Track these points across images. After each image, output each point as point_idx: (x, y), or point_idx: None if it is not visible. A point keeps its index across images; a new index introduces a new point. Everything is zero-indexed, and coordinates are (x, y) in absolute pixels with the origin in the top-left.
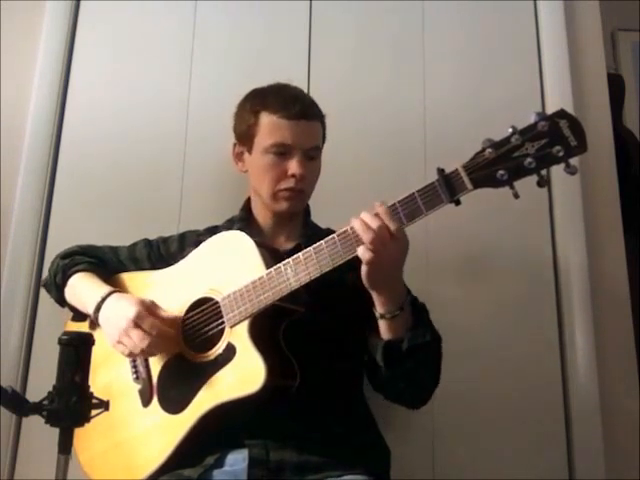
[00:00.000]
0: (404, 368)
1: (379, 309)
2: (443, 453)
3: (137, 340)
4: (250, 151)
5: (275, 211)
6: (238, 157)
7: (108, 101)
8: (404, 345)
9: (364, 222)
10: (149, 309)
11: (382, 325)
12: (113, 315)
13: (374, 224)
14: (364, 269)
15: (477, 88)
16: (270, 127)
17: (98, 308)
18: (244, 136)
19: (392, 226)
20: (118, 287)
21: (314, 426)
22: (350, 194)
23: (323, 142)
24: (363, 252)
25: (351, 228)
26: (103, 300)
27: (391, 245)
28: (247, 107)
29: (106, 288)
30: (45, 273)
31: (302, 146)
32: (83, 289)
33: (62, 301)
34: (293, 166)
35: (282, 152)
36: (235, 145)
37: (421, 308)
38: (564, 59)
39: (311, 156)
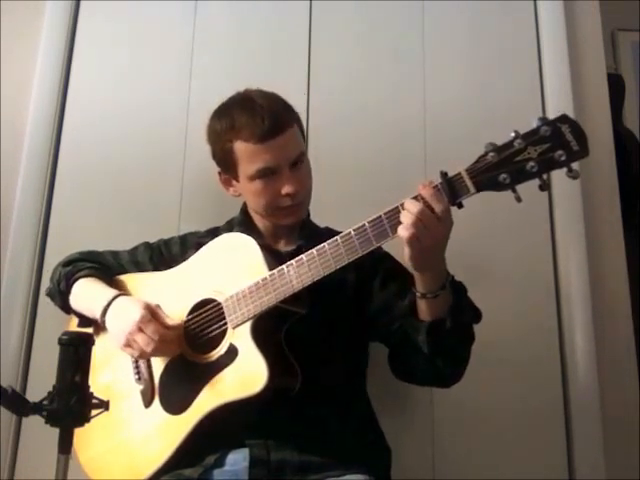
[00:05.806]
0: (446, 346)
1: (421, 289)
2: (443, 453)
3: (142, 344)
4: (237, 179)
5: (278, 225)
6: (227, 183)
7: (108, 101)
8: (447, 324)
9: (408, 206)
10: (154, 313)
11: (423, 305)
12: (119, 318)
13: (417, 207)
14: (406, 251)
15: (477, 89)
16: (248, 155)
17: (105, 312)
18: (226, 166)
19: (437, 207)
20: (121, 289)
21: (315, 426)
22: (351, 197)
23: (305, 139)
24: (403, 231)
25: (354, 230)
26: (109, 304)
27: (436, 226)
28: (219, 135)
29: (111, 292)
30: (45, 273)
31: (287, 161)
32: (88, 294)
33: (67, 308)
34: (285, 186)
35: (269, 174)
36: (220, 174)
37: (459, 286)
38: (564, 59)
39: (298, 163)
